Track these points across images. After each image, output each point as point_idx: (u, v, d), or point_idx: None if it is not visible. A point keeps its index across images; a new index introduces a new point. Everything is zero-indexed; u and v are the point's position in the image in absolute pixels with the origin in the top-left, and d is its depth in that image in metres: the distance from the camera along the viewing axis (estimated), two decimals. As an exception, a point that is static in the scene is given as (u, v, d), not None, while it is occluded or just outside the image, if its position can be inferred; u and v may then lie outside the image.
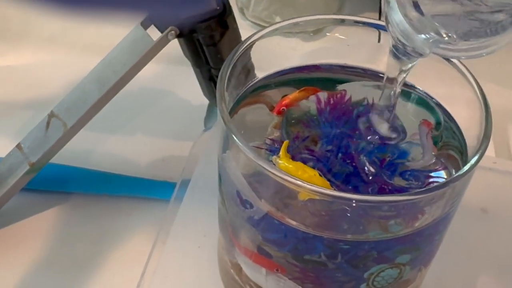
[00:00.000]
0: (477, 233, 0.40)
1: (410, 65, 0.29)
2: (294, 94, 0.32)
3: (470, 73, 0.31)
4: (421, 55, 0.28)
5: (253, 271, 0.32)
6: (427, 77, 0.33)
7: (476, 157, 0.27)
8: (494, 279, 0.39)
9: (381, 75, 0.31)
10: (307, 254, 0.29)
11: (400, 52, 0.28)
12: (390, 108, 0.30)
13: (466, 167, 0.27)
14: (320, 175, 0.28)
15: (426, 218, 0.28)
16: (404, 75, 0.29)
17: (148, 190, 0.44)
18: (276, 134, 0.31)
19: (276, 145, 0.30)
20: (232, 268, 0.34)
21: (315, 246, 0.29)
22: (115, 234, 0.42)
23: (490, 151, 0.43)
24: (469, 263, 0.39)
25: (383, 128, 0.30)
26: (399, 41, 0.28)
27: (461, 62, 0.31)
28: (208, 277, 0.37)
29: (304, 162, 0.28)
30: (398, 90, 0.30)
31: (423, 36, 0.27)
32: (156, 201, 0.43)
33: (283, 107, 0.31)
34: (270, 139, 0.30)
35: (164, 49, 0.40)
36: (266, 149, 0.30)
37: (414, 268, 0.31)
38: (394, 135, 0.30)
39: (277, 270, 0.31)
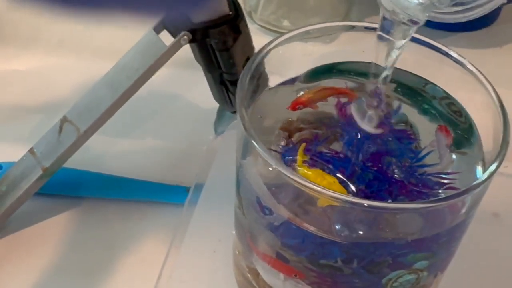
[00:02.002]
0: (489, 238, 0.40)
1: (398, 48, 0.29)
2: (311, 93, 0.32)
3: (486, 79, 0.31)
4: (416, 23, 0.28)
5: (271, 276, 0.33)
6: (441, 82, 0.34)
7: (495, 164, 0.28)
8: (507, 283, 0.39)
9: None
10: (324, 259, 0.30)
11: (394, 25, 0.28)
12: (380, 96, 0.30)
13: (485, 175, 0.27)
14: (339, 182, 0.28)
15: (445, 224, 0.28)
16: (395, 57, 0.29)
17: (161, 194, 0.44)
18: (283, 136, 0.31)
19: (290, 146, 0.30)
20: (249, 272, 0.35)
21: (331, 252, 0.29)
22: (129, 238, 0.42)
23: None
24: (481, 267, 0.39)
25: (368, 119, 0.30)
26: (394, 11, 0.27)
27: (476, 68, 0.31)
28: (224, 282, 0.37)
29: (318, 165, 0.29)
30: (389, 74, 0.30)
31: (415, 1, 0.27)
32: (169, 205, 0.43)
33: (299, 105, 0.32)
34: (284, 137, 0.30)
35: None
36: (279, 152, 0.30)
37: (431, 273, 0.31)
38: (379, 126, 0.30)
39: (295, 275, 0.31)
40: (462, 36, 0.60)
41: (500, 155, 0.28)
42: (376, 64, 0.29)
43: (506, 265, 0.39)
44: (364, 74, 0.33)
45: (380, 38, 0.29)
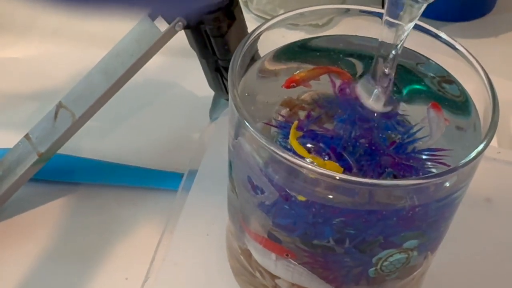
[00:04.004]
0: (481, 223, 0.41)
1: (405, 32, 0.29)
2: (304, 71, 0.32)
3: (478, 62, 0.31)
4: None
5: (263, 257, 0.33)
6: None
7: (483, 144, 0.28)
8: (498, 267, 0.39)
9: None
10: (316, 239, 0.30)
11: (404, 5, 0.28)
12: (390, 77, 0.30)
13: (472, 154, 0.27)
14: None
15: (431, 201, 0.28)
16: (403, 39, 0.29)
17: (155, 180, 0.44)
18: (284, 112, 0.31)
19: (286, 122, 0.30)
20: (241, 254, 0.35)
21: (324, 231, 0.29)
22: (123, 224, 0.42)
23: (493, 142, 0.44)
24: (473, 251, 0.39)
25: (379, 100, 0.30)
26: None
27: (470, 53, 0.31)
28: (217, 264, 0.37)
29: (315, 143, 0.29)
30: (398, 53, 0.30)
31: None
32: (163, 192, 0.44)
33: (293, 83, 0.32)
34: (280, 114, 0.30)
35: (170, 41, 0.40)
36: (276, 126, 0.30)
37: (421, 253, 0.31)
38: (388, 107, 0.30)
39: (287, 255, 0.31)
40: (457, 26, 0.60)
41: (488, 135, 0.28)
42: (382, 43, 0.29)
43: (498, 250, 0.40)
44: (335, 50, 0.33)
45: (388, 24, 0.29)
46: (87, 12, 0.24)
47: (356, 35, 0.34)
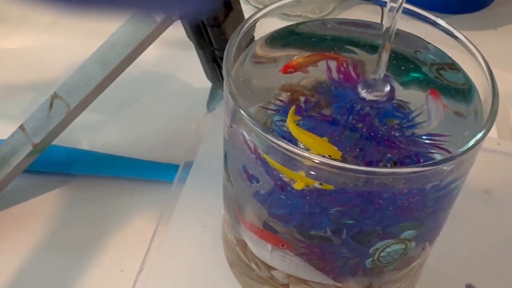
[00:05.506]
0: (480, 214, 0.40)
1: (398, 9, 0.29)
2: (302, 57, 0.32)
3: (478, 50, 0.30)
4: None
5: (259, 248, 0.32)
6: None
7: (482, 132, 0.27)
8: (497, 259, 0.39)
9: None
10: (313, 230, 0.29)
11: None
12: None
13: (471, 143, 0.27)
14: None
15: (429, 190, 0.28)
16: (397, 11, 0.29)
17: (151, 172, 0.44)
18: (283, 96, 0.30)
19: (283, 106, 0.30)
20: (237, 245, 0.34)
21: (320, 221, 0.29)
22: (118, 216, 0.42)
23: (493, 133, 0.44)
24: (472, 243, 0.39)
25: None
26: None
27: (469, 40, 0.31)
28: (212, 255, 0.37)
29: (313, 127, 0.28)
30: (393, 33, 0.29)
31: None
32: (159, 183, 0.43)
33: (290, 69, 0.31)
34: (278, 99, 0.30)
35: (166, 32, 0.39)
36: (274, 110, 0.30)
37: (419, 244, 0.31)
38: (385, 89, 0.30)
39: (282, 245, 0.31)
40: (457, 18, 0.60)
41: (487, 124, 0.27)
42: (386, 30, 0.29)
43: (497, 241, 0.39)
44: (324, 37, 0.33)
45: (390, 10, 0.28)
46: (79, 12, 0.23)
47: (345, 18, 0.34)
